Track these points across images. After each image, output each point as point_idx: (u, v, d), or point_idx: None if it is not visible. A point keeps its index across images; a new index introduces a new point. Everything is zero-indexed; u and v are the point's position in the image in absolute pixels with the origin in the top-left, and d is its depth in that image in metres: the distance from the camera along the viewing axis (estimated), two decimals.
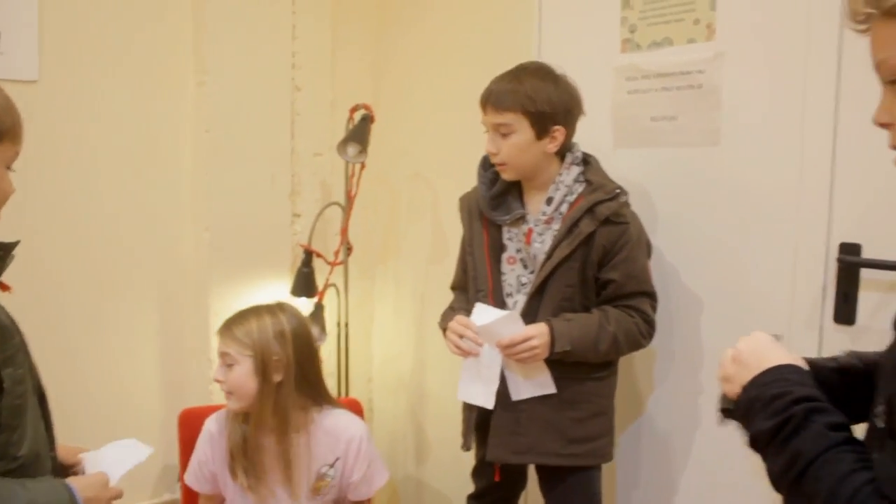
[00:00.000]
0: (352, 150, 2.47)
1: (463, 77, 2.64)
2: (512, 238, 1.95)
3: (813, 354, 1.83)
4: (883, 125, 0.97)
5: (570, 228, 1.86)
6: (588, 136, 2.13)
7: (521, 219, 1.94)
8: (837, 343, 1.82)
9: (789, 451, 0.93)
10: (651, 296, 1.94)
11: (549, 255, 1.87)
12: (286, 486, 1.89)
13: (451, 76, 2.69)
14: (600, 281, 1.90)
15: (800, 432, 0.93)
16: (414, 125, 2.80)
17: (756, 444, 1.00)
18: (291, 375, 1.85)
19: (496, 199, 1.97)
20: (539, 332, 1.82)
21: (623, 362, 2.10)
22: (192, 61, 2.55)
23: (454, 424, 2.73)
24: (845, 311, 1.83)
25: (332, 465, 1.91)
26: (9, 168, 1.27)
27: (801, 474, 0.91)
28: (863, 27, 0.96)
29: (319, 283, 2.61)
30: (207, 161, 2.54)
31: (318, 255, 2.58)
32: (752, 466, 1.91)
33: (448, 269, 2.68)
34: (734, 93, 1.99)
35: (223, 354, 1.86)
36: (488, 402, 1.93)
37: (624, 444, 2.25)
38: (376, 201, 2.92)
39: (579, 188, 1.90)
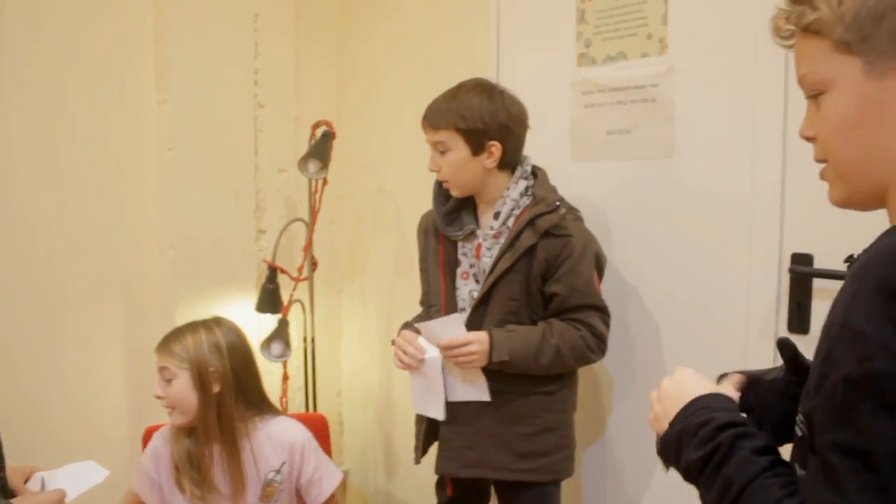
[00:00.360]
0: (313, 166, 2.48)
1: (423, 93, 2.62)
2: (466, 253, 1.97)
3: (768, 364, 1.88)
4: (807, 139, 1.00)
5: (512, 241, 1.88)
6: (546, 149, 2.16)
7: (473, 234, 1.96)
8: None
9: (721, 480, 0.93)
10: (599, 309, 1.93)
11: (492, 269, 1.89)
12: (236, 495, 1.91)
13: (411, 92, 2.70)
14: (545, 294, 1.91)
15: (728, 460, 0.93)
16: (377, 141, 2.82)
17: (689, 475, 0.99)
18: (230, 386, 1.90)
19: (450, 214, 2.00)
20: (478, 339, 1.84)
21: (585, 378, 2.12)
22: (153, 79, 2.56)
23: None
24: (799, 320, 1.86)
25: (278, 471, 1.93)
26: None
27: (733, 502, 0.91)
28: (787, 43, 0.99)
29: (284, 298, 2.61)
30: (170, 179, 2.54)
31: (283, 271, 2.59)
32: None
33: (413, 282, 2.69)
34: (687, 106, 2.02)
35: (162, 370, 1.90)
36: (439, 413, 1.95)
37: (588, 462, 2.26)
38: (342, 217, 2.94)
39: (526, 202, 1.92)
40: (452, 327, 1.87)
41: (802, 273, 1.85)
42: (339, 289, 2.99)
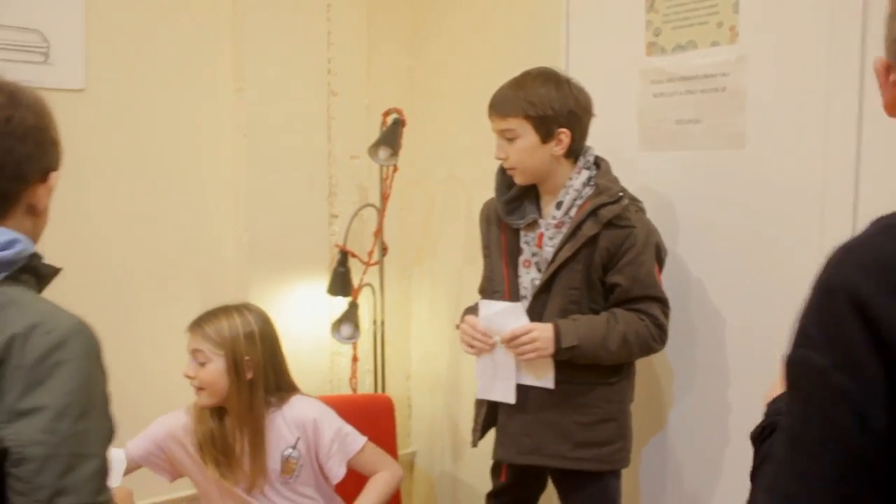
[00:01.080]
0: (383, 153, 2.53)
1: (493, 80, 2.64)
2: (528, 242, 1.98)
3: None
4: None
5: (574, 231, 1.88)
6: (613, 138, 2.15)
7: (535, 223, 1.97)
8: None
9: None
10: (660, 300, 1.93)
11: (553, 258, 1.90)
12: (257, 473, 1.99)
13: (482, 79, 2.70)
14: (607, 285, 1.91)
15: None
16: (447, 127, 2.85)
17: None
18: (261, 373, 1.98)
19: (512, 203, 2.01)
20: (540, 327, 1.85)
21: (644, 370, 2.11)
22: (230, 68, 2.64)
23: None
24: None
25: (294, 446, 2.01)
26: None
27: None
28: None
29: (355, 282, 2.67)
30: (246, 165, 2.62)
31: (353, 256, 2.65)
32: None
33: (480, 269, 2.73)
34: (758, 96, 1.98)
35: (196, 352, 1.97)
36: (509, 396, 1.96)
37: (648, 455, 2.25)
38: (412, 203, 2.98)
39: (588, 192, 1.92)
40: (513, 317, 1.89)
41: None
42: (409, 273, 3.03)
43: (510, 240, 2.01)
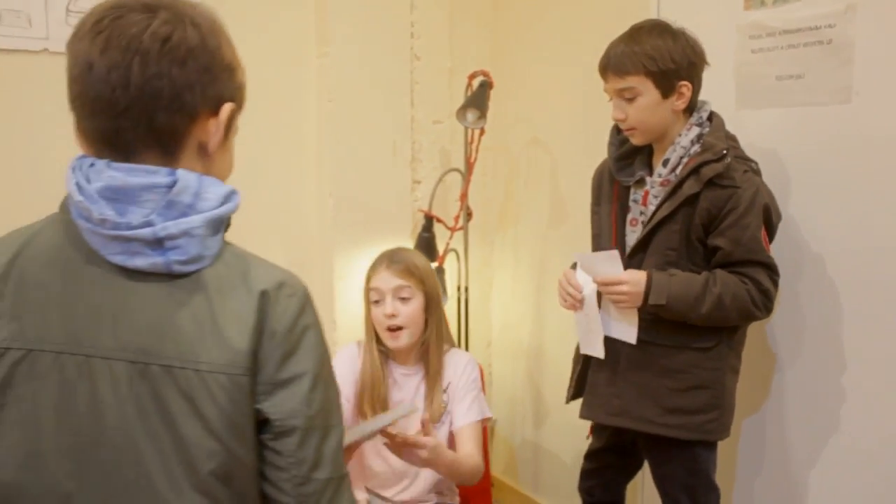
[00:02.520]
0: (471, 115, 2.50)
1: (581, 40, 2.61)
2: (636, 200, 1.92)
3: None
4: None
5: (674, 190, 1.80)
6: (709, 96, 2.06)
7: (643, 180, 1.91)
8: None
9: None
10: (767, 266, 1.81)
11: (651, 216, 1.84)
12: (435, 418, 1.97)
13: (568, 40, 2.66)
14: (708, 247, 1.82)
15: None
16: (532, 91, 2.80)
17: None
18: (442, 312, 1.99)
19: (623, 160, 1.95)
20: (632, 279, 1.78)
21: (755, 338, 2.04)
22: (314, 34, 2.64)
23: None
24: None
25: (445, 391, 1.99)
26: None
27: None
28: None
29: (439, 247, 2.66)
30: (331, 129, 2.63)
31: (439, 221, 2.64)
32: (886, 474, 1.83)
33: (567, 234, 2.69)
34: (867, 48, 1.88)
35: (399, 288, 1.93)
36: (599, 351, 1.91)
37: (748, 428, 2.17)
38: (495, 168, 2.95)
39: (696, 149, 1.83)
40: (609, 264, 1.81)
41: None
42: (491, 240, 3.01)
43: (621, 198, 1.95)
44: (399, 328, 1.93)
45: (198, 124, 1.02)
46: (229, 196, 1.04)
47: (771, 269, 1.83)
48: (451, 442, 2.00)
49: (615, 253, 1.82)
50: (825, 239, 2.00)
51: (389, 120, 2.72)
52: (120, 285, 0.97)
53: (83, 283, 0.98)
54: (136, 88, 0.95)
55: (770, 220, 1.86)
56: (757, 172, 1.87)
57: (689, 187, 1.79)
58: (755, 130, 2.09)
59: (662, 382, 1.86)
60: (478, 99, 2.50)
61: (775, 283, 1.84)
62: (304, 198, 2.70)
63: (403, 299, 1.92)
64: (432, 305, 1.96)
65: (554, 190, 2.73)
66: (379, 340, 1.99)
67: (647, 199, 1.89)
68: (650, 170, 1.92)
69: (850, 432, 1.95)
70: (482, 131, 2.59)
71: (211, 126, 1.03)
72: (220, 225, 1.03)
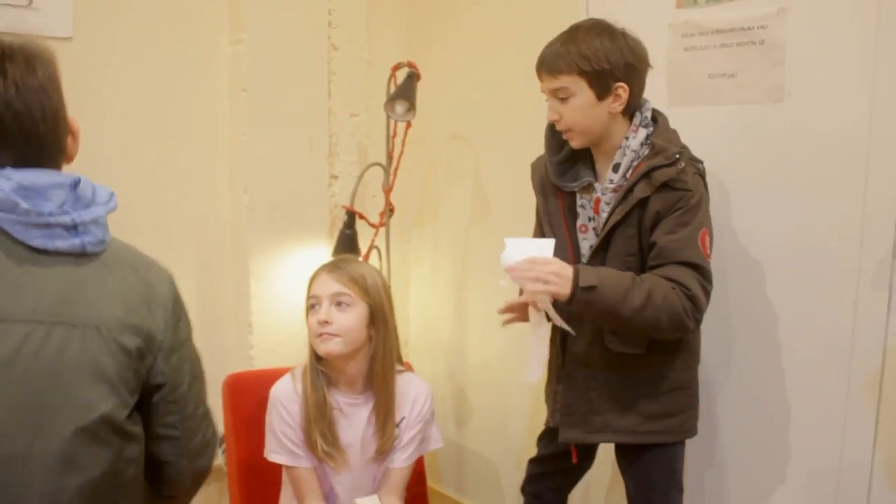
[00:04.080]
0: (400, 107, 2.42)
1: (504, 36, 2.58)
2: (584, 206, 1.86)
3: (882, 315, 1.84)
4: None
5: (626, 194, 1.76)
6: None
7: (590, 186, 1.85)
8: None
9: None
10: (699, 270, 1.72)
11: (605, 222, 1.79)
12: (362, 448, 1.86)
13: (491, 35, 2.63)
14: (649, 246, 1.77)
15: None
16: (451, 85, 2.74)
17: None
18: (391, 330, 1.84)
19: (564, 164, 1.88)
20: (562, 265, 1.68)
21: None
22: (226, 19, 2.48)
23: (496, 390, 2.72)
24: None
25: (397, 425, 1.88)
26: None
27: None
28: None
29: (363, 245, 2.57)
30: (246, 122, 2.48)
31: (361, 217, 2.54)
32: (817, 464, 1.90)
33: (490, 230, 2.65)
34: (799, 48, 1.94)
35: (338, 294, 1.79)
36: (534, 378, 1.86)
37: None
38: (412, 163, 2.87)
39: (645, 151, 1.80)
40: (543, 250, 1.71)
41: None
42: (408, 237, 2.94)
43: (567, 203, 1.88)
44: (332, 335, 1.78)
45: (65, 144, 1.27)
46: (112, 195, 1.26)
47: (703, 276, 1.73)
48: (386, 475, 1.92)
49: (552, 241, 1.74)
50: (752, 227, 2.04)
51: (307, 112, 2.60)
52: (36, 263, 1.16)
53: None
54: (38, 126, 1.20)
55: (711, 228, 1.82)
56: (703, 174, 1.85)
57: (641, 191, 1.75)
58: (686, 127, 2.10)
59: (638, 390, 1.83)
60: (406, 90, 2.42)
61: (706, 293, 1.75)
62: (216, 194, 2.54)
63: (340, 305, 1.78)
64: (378, 320, 1.81)
65: (476, 186, 2.69)
66: (320, 360, 1.84)
67: (599, 207, 1.84)
68: (594, 174, 1.87)
69: (781, 427, 2.02)
70: (408, 124, 2.51)
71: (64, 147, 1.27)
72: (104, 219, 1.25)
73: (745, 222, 2.06)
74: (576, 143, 1.84)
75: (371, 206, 2.67)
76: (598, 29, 1.79)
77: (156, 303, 1.24)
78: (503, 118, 2.59)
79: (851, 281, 1.89)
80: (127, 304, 1.20)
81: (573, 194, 1.88)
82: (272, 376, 2.14)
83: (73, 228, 1.18)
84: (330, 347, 1.78)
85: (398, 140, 2.57)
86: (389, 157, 2.59)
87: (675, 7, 2.15)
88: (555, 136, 1.89)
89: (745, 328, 2.09)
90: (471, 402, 2.82)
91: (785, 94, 1.98)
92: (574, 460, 1.96)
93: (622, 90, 1.77)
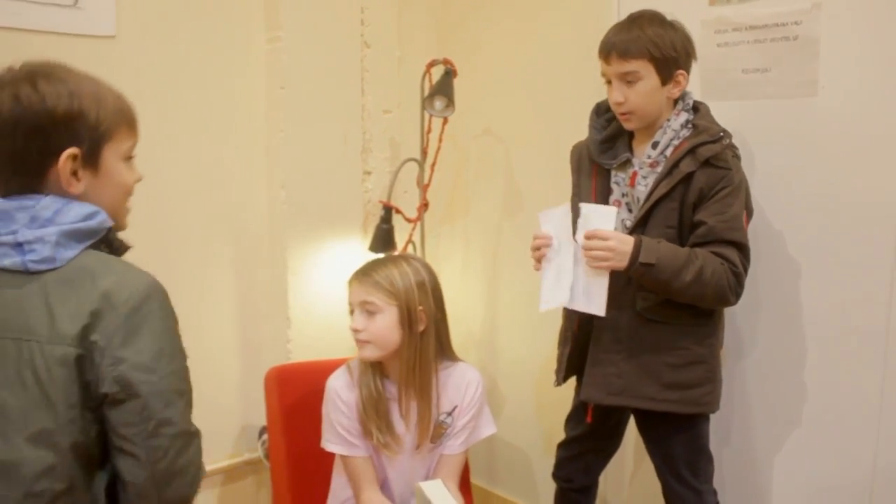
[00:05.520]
0: (439, 103, 2.47)
1: (534, 33, 2.62)
2: (619, 182, 1.95)
3: None
4: None
5: (671, 169, 1.85)
6: None
7: (627, 162, 1.94)
8: None
9: None
10: (742, 248, 1.86)
11: (649, 195, 1.87)
12: (420, 438, 1.90)
13: (521, 32, 2.67)
14: (694, 223, 1.86)
15: None
16: (482, 81, 2.78)
17: None
18: (433, 327, 1.87)
19: (605, 143, 1.98)
20: (621, 239, 1.78)
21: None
22: (262, 17, 2.52)
23: (527, 382, 2.76)
24: None
25: (450, 413, 1.93)
26: (130, 158, 1.41)
27: None
28: None
29: (399, 239, 2.61)
30: (283, 118, 2.52)
31: (398, 212, 2.58)
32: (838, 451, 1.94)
33: (521, 225, 2.69)
34: (833, 43, 1.98)
35: (364, 303, 1.83)
36: (565, 299, 1.88)
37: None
38: (442, 159, 2.91)
39: (686, 133, 1.90)
40: (603, 219, 1.81)
41: None
42: (438, 232, 2.98)
43: (600, 180, 1.98)
44: (364, 342, 1.85)
45: (50, 173, 1.26)
46: (90, 215, 1.27)
47: (744, 254, 1.88)
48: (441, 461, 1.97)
49: (614, 209, 1.83)
50: (789, 228, 2.09)
51: (341, 109, 2.64)
52: None
53: None
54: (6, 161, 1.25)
55: (750, 208, 1.94)
56: (740, 159, 1.94)
57: (687, 166, 1.84)
58: (720, 121, 2.15)
59: (662, 359, 1.90)
60: (444, 87, 2.46)
61: (746, 270, 1.88)
62: (254, 190, 2.58)
63: (370, 313, 1.83)
64: (412, 320, 1.84)
65: (508, 181, 2.73)
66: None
67: (636, 180, 1.92)
68: (631, 152, 1.96)
69: (806, 411, 2.06)
70: (445, 120, 2.56)
71: (52, 175, 1.26)
72: (82, 236, 1.26)
73: (779, 214, 2.10)
74: (632, 125, 1.93)
75: (402, 202, 2.70)
76: (659, 18, 1.90)
77: (108, 312, 1.21)
78: (534, 114, 2.63)
79: (886, 280, 1.93)
80: (69, 315, 1.21)
81: (608, 173, 1.97)
82: (313, 369, 2.20)
83: (18, 246, 1.23)
84: (366, 353, 1.86)
85: (433, 136, 2.61)
86: (424, 152, 2.63)
87: (708, 4, 2.19)
88: (599, 116, 2.00)
89: (777, 318, 2.13)
90: (503, 393, 2.86)
91: (819, 89, 2.02)
92: (589, 419, 2.03)
93: (682, 77, 1.89)
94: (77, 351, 1.20)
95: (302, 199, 2.57)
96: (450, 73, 2.48)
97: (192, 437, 1.29)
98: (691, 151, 1.85)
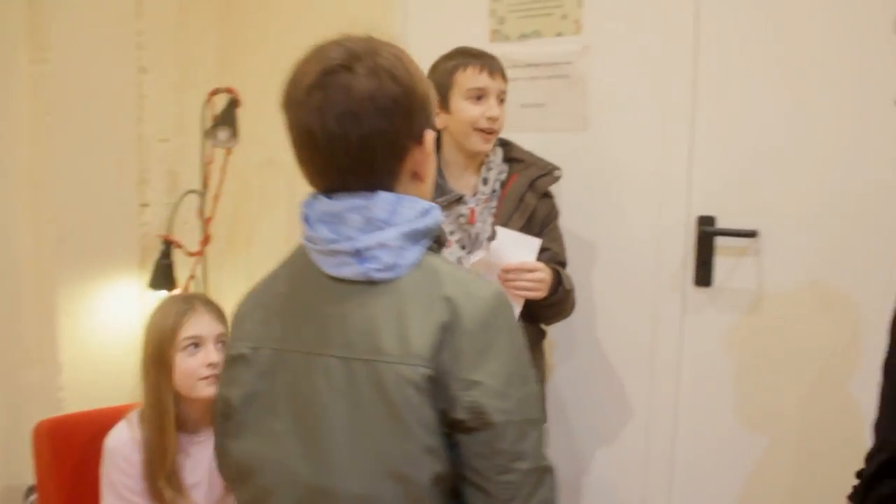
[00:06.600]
0: (223, 134, 2.39)
1: None
2: (448, 219, 1.95)
3: (677, 314, 2.11)
4: None
5: (517, 203, 1.95)
6: None
7: (458, 200, 1.95)
8: (699, 303, 2.09)
9: None
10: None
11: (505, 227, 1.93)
12: (209, 486, 1.74)
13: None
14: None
15: None
16: (267, 110, 2.71)
17: None
18: None
19: None
20: (544, 269, 1.86)
21: None
22: (25, 34, 2.32)
23: None
24: (703, 274, 2.09)
25: None
26: None
27: None
28: None
29: (181, 275, 2.49)
30: (51, 147, 2.32)
31: (178, 246, 2.46)
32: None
33: None
34: (600, 82, 2.19)
35: (221, 335, 1.70)
36: None
37: None
38: (223, 189, 2.82)
39: (506, 167, 2.00)
40: (527, 250, 1.84)
41: (707, 233, 2.08)
42: (220, 263, 2.87)
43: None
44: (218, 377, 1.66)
45: (408, 159, 1.16)
46: (426, 211, 1.16)
47: None
48: None
49: (538, 241, 1.87)
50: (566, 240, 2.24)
51: (114, 137, 2.48)
52: (335, 293, 1.15)
53: (309, 293, 1.18)
54: (355, 150, 1.12)
55: None
56: None
57: (531, 199, 1.96)
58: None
59: None
60: (228, 117, 2.40)
61: None
62: (15, 225, 2.34)
63: (222, 345, 1.69)
64: None
65: (291, 211, 2.66)
66: (176, 403, 1.72)
67: (475, 217, 1.95)
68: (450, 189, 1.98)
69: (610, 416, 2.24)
70: (228, 150, 2.48)
71: (418, 156, 1.17)
72: (419, 237, 1.15)
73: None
74: (488, 147, 1.97)
75: (183, 235, 2.59)
76: None
77: (457, 325, 1.09)
78: None
79: (651, 285, 2.15)
80: (419, 330, 1.09)
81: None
82: (91, 420, 1.98)
83: (357, 254, 1.12)
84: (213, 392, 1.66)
85: (215, 166, 2.53)
86: (205, 183, 2.54)
87: (489, 41, 2.33)
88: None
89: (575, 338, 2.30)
90: None
91: (589, 124, 2.22)
92: None
93: None
94: (429, 371, 1.08)
95: (73, 234, 2.38)
96: (234, 103, 2.42)
97: (544, 472, 1.14)
98: (531, 186, 1.96)
